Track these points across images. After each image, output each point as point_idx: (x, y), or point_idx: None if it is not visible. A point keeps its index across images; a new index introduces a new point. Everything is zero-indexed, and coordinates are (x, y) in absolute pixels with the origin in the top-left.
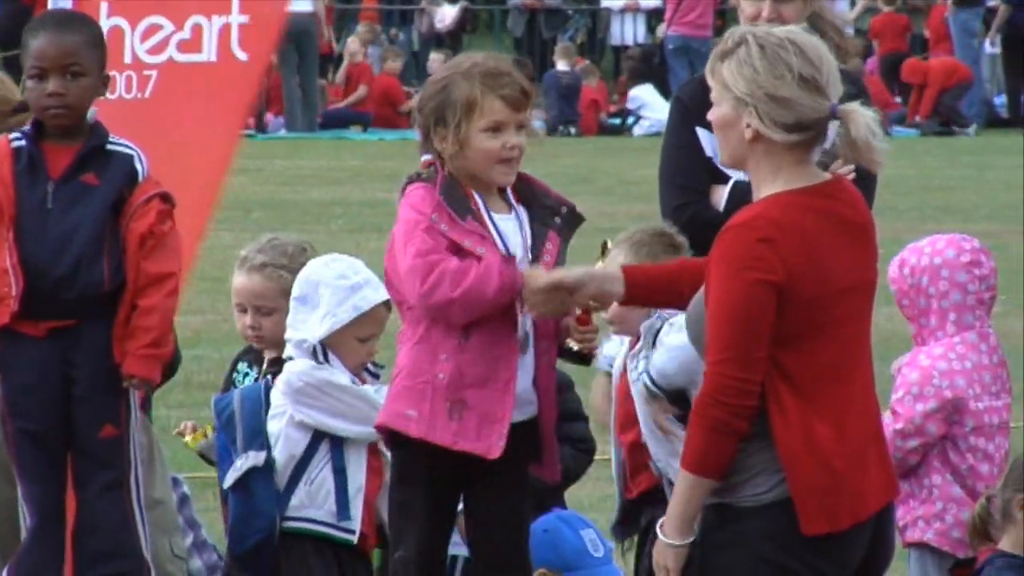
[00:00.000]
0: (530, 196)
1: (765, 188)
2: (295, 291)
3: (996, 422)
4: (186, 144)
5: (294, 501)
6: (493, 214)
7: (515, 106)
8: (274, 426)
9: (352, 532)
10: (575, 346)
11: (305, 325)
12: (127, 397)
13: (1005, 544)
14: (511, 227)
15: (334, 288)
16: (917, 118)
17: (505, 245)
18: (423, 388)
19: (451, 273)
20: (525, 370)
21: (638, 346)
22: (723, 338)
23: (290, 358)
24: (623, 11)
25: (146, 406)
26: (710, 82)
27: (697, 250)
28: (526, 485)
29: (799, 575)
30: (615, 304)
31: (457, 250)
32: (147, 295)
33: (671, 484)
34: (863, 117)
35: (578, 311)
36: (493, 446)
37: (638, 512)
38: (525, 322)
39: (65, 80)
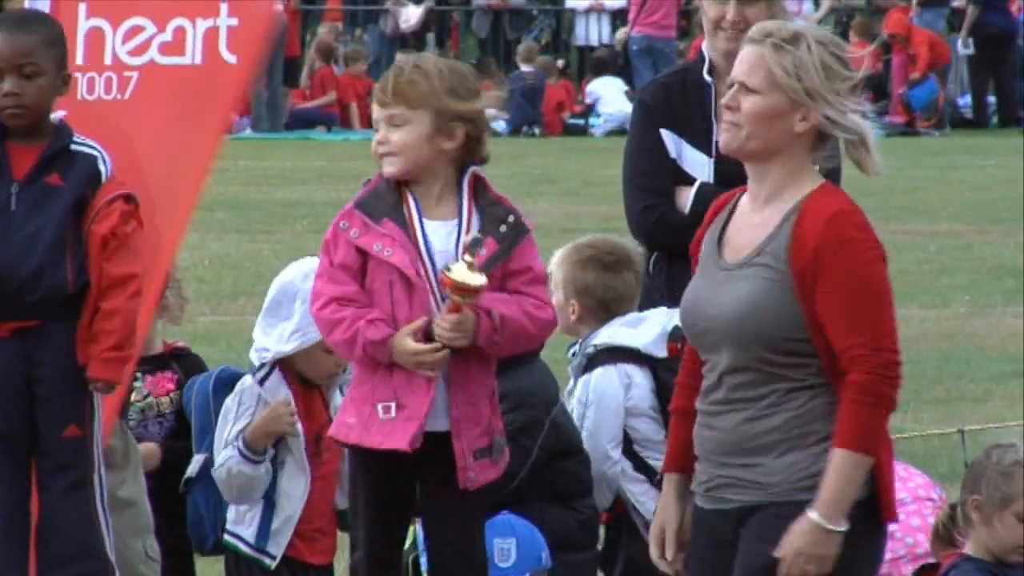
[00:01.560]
0: (483, 201)
1: (800, 182)
2: (270, 294)
3: None
4: (167, 145)
5: (230, 514)
6: (425, 219)
7: (380, 102)
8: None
9: (273, 558)
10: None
11: (270, 335)
12: (91, 398)
13: (969, 548)
14: (442, 233)
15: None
16: (912, 77)
17: (428, 248)
18: (365, 396)
19: (324, 321)
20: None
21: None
22: (878, 317)
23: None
24: (587, 12)
25: (123, 412)
26: (751, 70)
27: (661, 251)
28: (480, 488)
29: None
30: None
31: (366, 258)
32: (110, 297)
33: (635, 510)
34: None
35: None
36: (410, 440)
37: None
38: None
39: (21, 80)
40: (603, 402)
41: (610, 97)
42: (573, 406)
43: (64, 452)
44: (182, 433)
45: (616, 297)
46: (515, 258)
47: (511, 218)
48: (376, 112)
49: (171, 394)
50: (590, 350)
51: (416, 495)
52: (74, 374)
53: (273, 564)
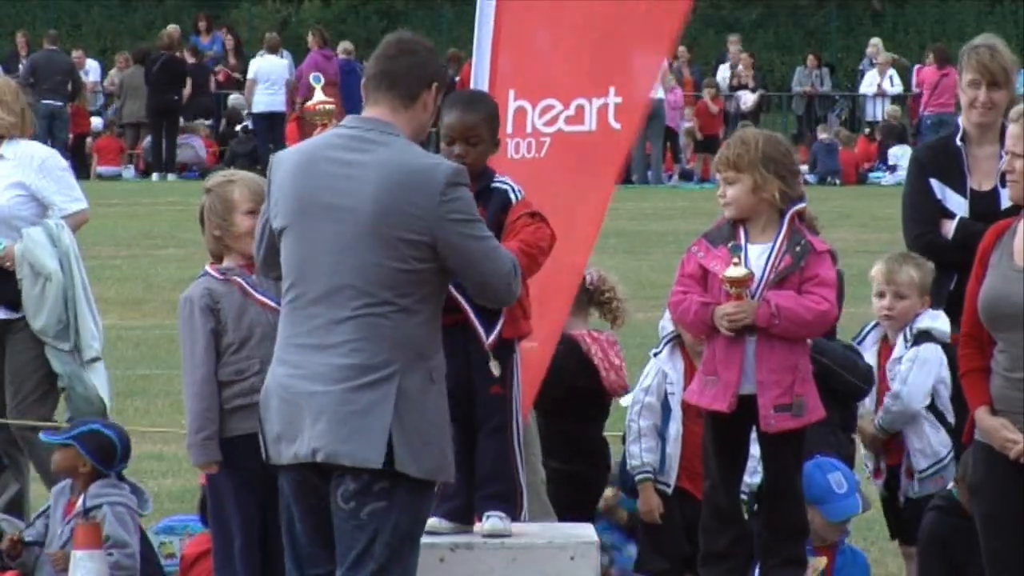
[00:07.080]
0: (791, 231)
1: None
2: None
3: None
4: (571, 189)
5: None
6: (749, 244)
7: (717, 168)
8: None
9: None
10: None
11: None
12: (511, 369)
13: None
14: (757, 252)
15: None
16: None
17: (746, 264)
18: (700, 371)
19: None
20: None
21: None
22: None
23: None
24: (874, 96)
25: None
26: (1015, 142)
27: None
28: (783, 433)
29: None
30: (891, 298)
31: (706, 271)
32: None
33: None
34: None
35: (731, 291)
36: (727, 404)
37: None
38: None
39: (467, 146)
40: (926, 366)
41: (905, 159)
42: (902, 363)
43: (489, 404)
44: None
45: (918, 278)
46: (807, 268)
47: (803, 241)
48: (718, 173)
49: None
50: (919, 329)
51: (748, 440)
52: (495, 351)
53: None
